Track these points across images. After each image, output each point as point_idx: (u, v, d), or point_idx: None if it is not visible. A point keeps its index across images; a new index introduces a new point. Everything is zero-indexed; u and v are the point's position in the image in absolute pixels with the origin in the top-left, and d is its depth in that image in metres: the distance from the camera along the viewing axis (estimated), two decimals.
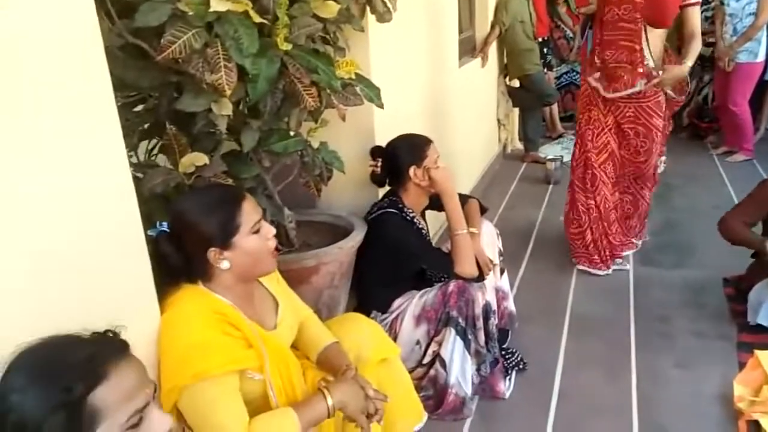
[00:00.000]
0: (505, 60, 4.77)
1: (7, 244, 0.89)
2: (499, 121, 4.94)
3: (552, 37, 5.48)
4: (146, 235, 1.22)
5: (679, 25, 2.84)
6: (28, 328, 0.87)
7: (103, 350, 0.85)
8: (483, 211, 2.38)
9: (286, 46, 1.53)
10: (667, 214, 3.70)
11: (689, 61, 2.64)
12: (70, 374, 0.80)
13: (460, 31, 3.84)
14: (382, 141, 2.35)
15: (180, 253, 1.29)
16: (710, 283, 2.83)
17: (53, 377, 0.80)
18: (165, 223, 1.30)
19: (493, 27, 4.40)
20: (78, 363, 0.81)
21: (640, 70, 2.70)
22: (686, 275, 2.95)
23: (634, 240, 3.18)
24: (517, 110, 5.12)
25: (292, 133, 1.75)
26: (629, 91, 2.74)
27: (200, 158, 1.48)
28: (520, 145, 5.17)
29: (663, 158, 3.12)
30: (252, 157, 1.70)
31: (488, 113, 4.67)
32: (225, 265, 1.30)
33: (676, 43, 4.62)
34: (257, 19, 1.42)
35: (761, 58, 4.42)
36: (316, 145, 1.85)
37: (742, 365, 2.18)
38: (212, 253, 1.29)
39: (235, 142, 1.65)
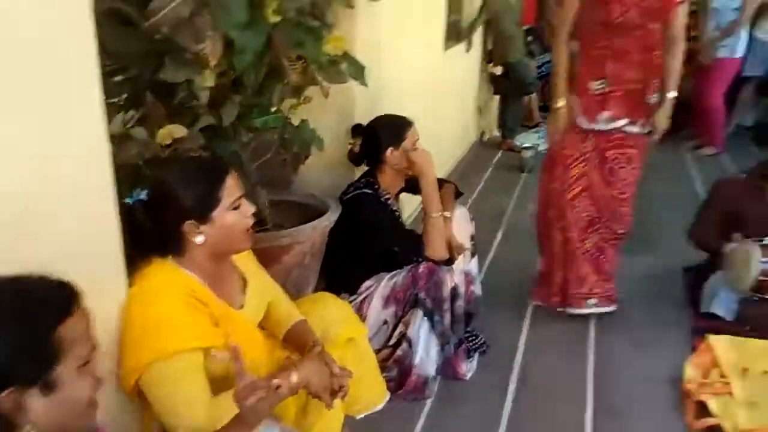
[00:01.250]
0: (490, 46, 4.77)
1: None
2: (479, 107, 4.96)
3: (538, 25, 5.50)
4: (121, 204, 1.22)
5: None
6: None
7: (68, 290, 0.87)
8: (458, 195, 2.41)
9: (275, 18, 1.52)
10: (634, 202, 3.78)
11: (672, 92, 2.28)
12: (41, 307, 0.83)
13: (448, 15, 3.83)
14: (362, 121, 2.35)
15: (155, 223, 1.28)
16: (671, 272, 2.93)
17: (24, 310, 0.82)
18: (144, 192, 1.29)
19: (480, 12, 4.39)
20: (48, 298, 0.84)
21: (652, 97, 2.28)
22: (648, 263, 3.04)
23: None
24: (497, 98, 5.15)
25: (273, 109, 1.74)
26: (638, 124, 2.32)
27: (178, 130, 1.47)
28: (497, 133, 5.22)
29: None
30: (231, 132, 1.69)
31: (469, 99, 4.70)
32: (200, 239, 1.29)
33: None
34: None
35: (739, 54, 4.52)
36: (296, 122, 1.85)
37: (695, 349, 2.28)
38: (189, 225, 1.28)
39: (215, 116, 1.64)
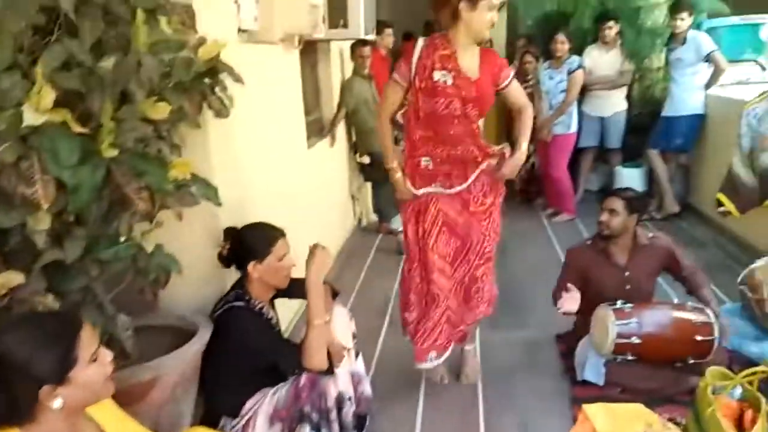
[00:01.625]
0: (354, 138, 4.98)
1: None
2: (352, 196, 5.10)
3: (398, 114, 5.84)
4: None
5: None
6: None
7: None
8: (335, 294, 2.40)
9: (112, 153, 1.48)
10: (506, 274, 3.98)
11: (525, 139, 2.52)
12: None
13: (308, 114, 3.97)
14: None
15: (2, 393, 1.15)
16: (546, 342, 3.08)
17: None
18: None
19: (338, 108, 4.60)
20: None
21: (478, 168, 2.55)
22: (525, 335, 3.18)
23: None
24: (369, 184, 5.33)
25: (122, 239, 1.66)
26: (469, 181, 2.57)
27: (14, 278, 1.35)
28: (374, 217, 5.36)
29: None
30: (78, 267, 1.59)
31: (341, 189, 4.82)
32: (58, 403, 1.18)
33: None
34: (77, 128, 1.37)
35: (574, 129, 5.07)
36: (150, 248, 1.78)
37: (575, 420, 2.34)
38: (45, 392, 1.16)
39: (59, 252, 1.54)
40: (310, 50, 4.09)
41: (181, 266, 1.83)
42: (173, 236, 1.99)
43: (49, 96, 1.35)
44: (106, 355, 1.28)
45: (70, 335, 1.21)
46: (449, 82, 2.38)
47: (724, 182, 3.82)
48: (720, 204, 3.79)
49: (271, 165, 3.00)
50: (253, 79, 2.56)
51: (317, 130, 4.37)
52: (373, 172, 5.02)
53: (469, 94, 2.40)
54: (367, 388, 2.42)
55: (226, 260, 2.21)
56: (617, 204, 2.68)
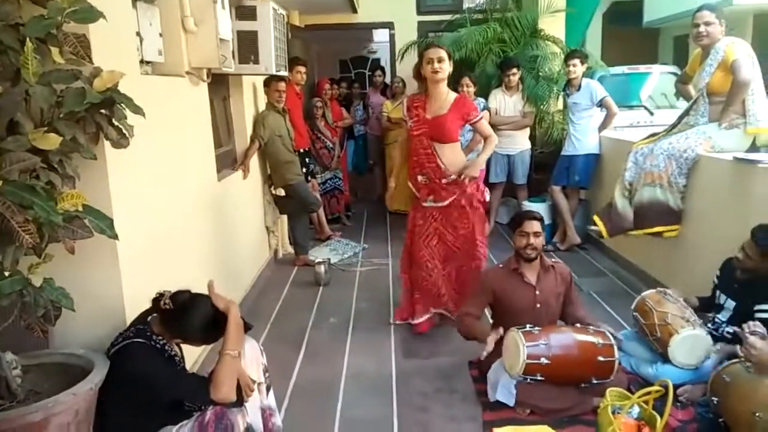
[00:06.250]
0: (269, 170, 4.97)
1: None
2: (267, 228, 5.06)
3: (314, 147, 5.90)
4: None
5: None
6: None
7: None
8: (247, 328, 2.36)
9: None
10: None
11: (485, 155, 3.48)
12: None
13: (219, 146, 3.94)
14: (132, 267, 2.27)
15: None
16: (459, 368, 3.15)
17: None
18: None
19: (252, 141, 4.59)
20: None
21: (444, 181, 3.41)
22: (440, 363, 3.24)
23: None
24: (285, 217, 5.31)
25: (7, 273, 1.58)
26: (448, 201, 3.46)
27: None
28: (291, 250, 5.32)
29: None
30: None
31: (255, 221, 4.77)
32: None
33: None
34: None
35: (483, 165, 5.30)
36: (38, 282, 1.69)
37: None
38: None
39: None
40: (221, 83, 4.08)
41: (73, 302, 1.75)
42: (67, 271, 1.91)
43: None
44: None
45: None
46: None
47: (603, 207, 4.18)
48: (594, 224, 4.13)
49: (179, 197, 2.94)
50: (158, 111, 2.54)
51: (229, 162, 4.33)
52: (288, 204, 5.02)
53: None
54: (278, 422, 2.38)
55: (158, 308, 2.09)
56: (538, 226, 2.90)
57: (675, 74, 6.79)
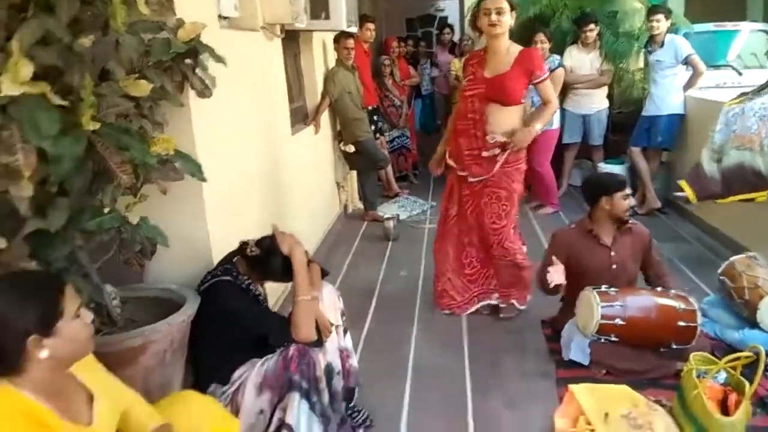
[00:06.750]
0: (339, 127, 5.02)
1: None
2: (338, 183, 5.13)
3: (382, 105, 5.90)
4: None
5: None
6: None
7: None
8: (324, 274, 2.43)
9: (93, 126, 1.51)
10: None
11: (538, 125, 2.98)
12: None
13: (291, 102, 4.00)
14: (216, 211, 2.37)
15: None
16: (531, 325, 3.12)
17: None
18: None
19: (323, 98, 4.64)
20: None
21: (485, 153, 3.02)
22: (512, 320, 3.22)
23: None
24: (354, 173, 5.37)
25: (107, 210, 1.69)
26: (479, 178, 3.08)
27: None
28: (360, 205, 5.40)
29: None
30: (62, 236, 1.61)
31: (326, 176, 4.85)
32: (44, 353, 1.23)
33: None
34: (56, 101, 1.39)
35: (556, 126, 5.14)
36: (135, 220, 1.80)
37: (561, 399, 2.38)
38: (32, 341, 1.21)
39: (43, 221, 1.56)
40: (292, 39, 4.11)
41: (167, 239, 1.86)
42: (160, 211, 2.02)
43: (26, 68, 1.37)
44: (88, 315, 1.33)
45: (54, 289, 1.26)
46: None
47: (690, 171, 3.95)
48: (680, 190, 3.91)
49: (255, 148, 3.02)
50: (236, 64, 2.59)
51: (301, 117, 4.40)
52: (358, 160, 5.06)
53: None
54: (354, 363, 2.46)
55: (243, 254, 2.20)
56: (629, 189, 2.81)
57: (766, 32, 6.27)
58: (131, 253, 1.79)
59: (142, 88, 1.72)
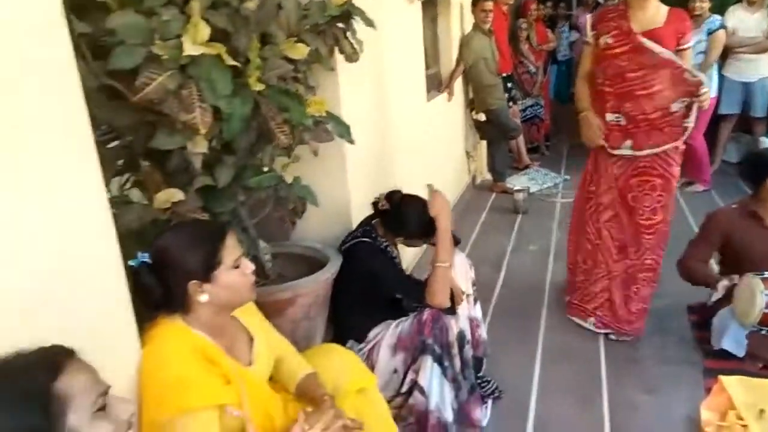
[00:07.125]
0: (471, 95, 4.92)
1: None
2: (467, 152, 5.06)
3: (516, 72, 5.67)
4: (126, 266, 1.25)
5: None
6: None
7: (54, 351, 0.90)
8: (456, 242, 2.42)
9: (259, 87, 1.58)
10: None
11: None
12: (30, 371, 0.85)
13: (427, 68, 3.96)
14: (355, 174, 2.41)
15: (160, 284, 1.31)
16: (675, 311, 2.92)
17: (16, 378, 0.83)
18: (146, 254, 1.32)
19: (457, 64, 4.55)
20: (34, 362, 0.86)
21: (667, 118, 2.54)
22: (656, 303, 3.00)
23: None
24: (484, 142, 5.26)
25: (265, 169, 1.78)
26: (661, 148, 2.57)
27: (175, 194, 1.50)
28: (488, 176, 5.29)
29: None
30: (227, 192, 1.73)
31: (457, 145, 4.79)
32: (204, 297, 1.33)
33: None
34: (230, 61, 1.47)
35: (714, 93, 4.64)
36: (289, 180, 1.90)
37: (707, 390, 2.23)
38: (193, 285, 1.31)
39: (211, 177, 1.68)
40: (430, 3, 4.05)
41: (317, 198, 1.94)
42: (307, 173, 2.10)
43: (204, 30, 1.45)
44: (248, 265, 1.41)
45: (216, 240, 1.35)
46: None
47: None
48: None
49: (393, 113, 3.04)
50: (380, 28, 2.60)
51: (435, 84, 4.36)
52: (489, 130, 4.94)
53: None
54: (483, 333, 2.45)
55: (377, 210, 2.26)
56: None
57: None
58: (285, 210, 1.89)
59: (301, 50, 1.77)
